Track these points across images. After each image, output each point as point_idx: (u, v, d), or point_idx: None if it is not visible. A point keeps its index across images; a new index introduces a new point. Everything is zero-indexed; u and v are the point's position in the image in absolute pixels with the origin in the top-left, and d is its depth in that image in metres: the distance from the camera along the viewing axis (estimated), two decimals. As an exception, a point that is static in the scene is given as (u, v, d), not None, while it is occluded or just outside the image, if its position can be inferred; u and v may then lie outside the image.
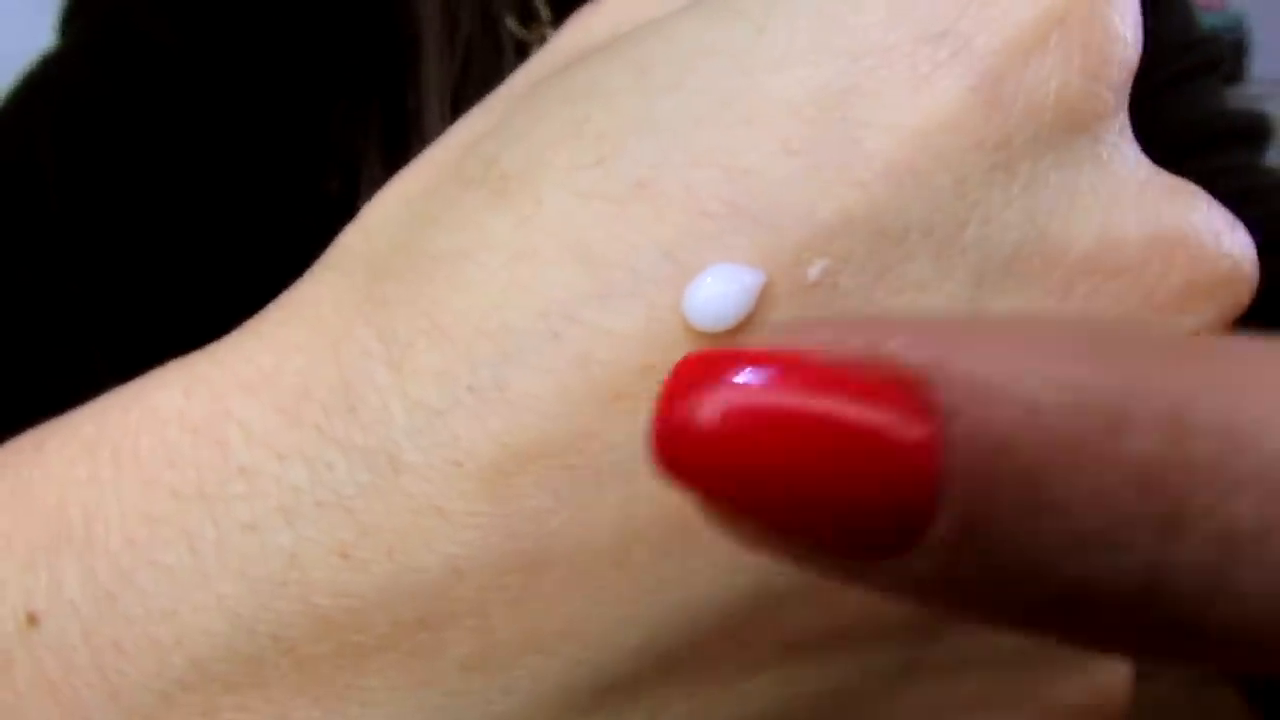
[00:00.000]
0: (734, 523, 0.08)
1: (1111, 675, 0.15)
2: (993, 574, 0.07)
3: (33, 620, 0.12)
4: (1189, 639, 0.07)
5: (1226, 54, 0.43)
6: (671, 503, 0.12)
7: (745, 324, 0.12)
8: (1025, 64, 0.13)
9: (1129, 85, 0.13)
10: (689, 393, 0.08)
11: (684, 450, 0.08)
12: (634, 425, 0.12)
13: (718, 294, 0.12)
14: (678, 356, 0.12)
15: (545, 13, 0.35)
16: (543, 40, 0.16)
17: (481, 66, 0.34)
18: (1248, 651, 0.07)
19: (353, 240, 0.14)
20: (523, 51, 0.33)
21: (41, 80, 0.36)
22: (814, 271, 0.12)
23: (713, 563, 0.12)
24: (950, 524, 0.07)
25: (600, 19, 0.15)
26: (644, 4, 0.15)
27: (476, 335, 0.12)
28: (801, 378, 0.08)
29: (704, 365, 0.08)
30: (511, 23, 0.35)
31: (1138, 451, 0.07)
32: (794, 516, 0.08)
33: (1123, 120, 0.14)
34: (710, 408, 0.08)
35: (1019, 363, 0.07)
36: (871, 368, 0.08)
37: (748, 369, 0.08)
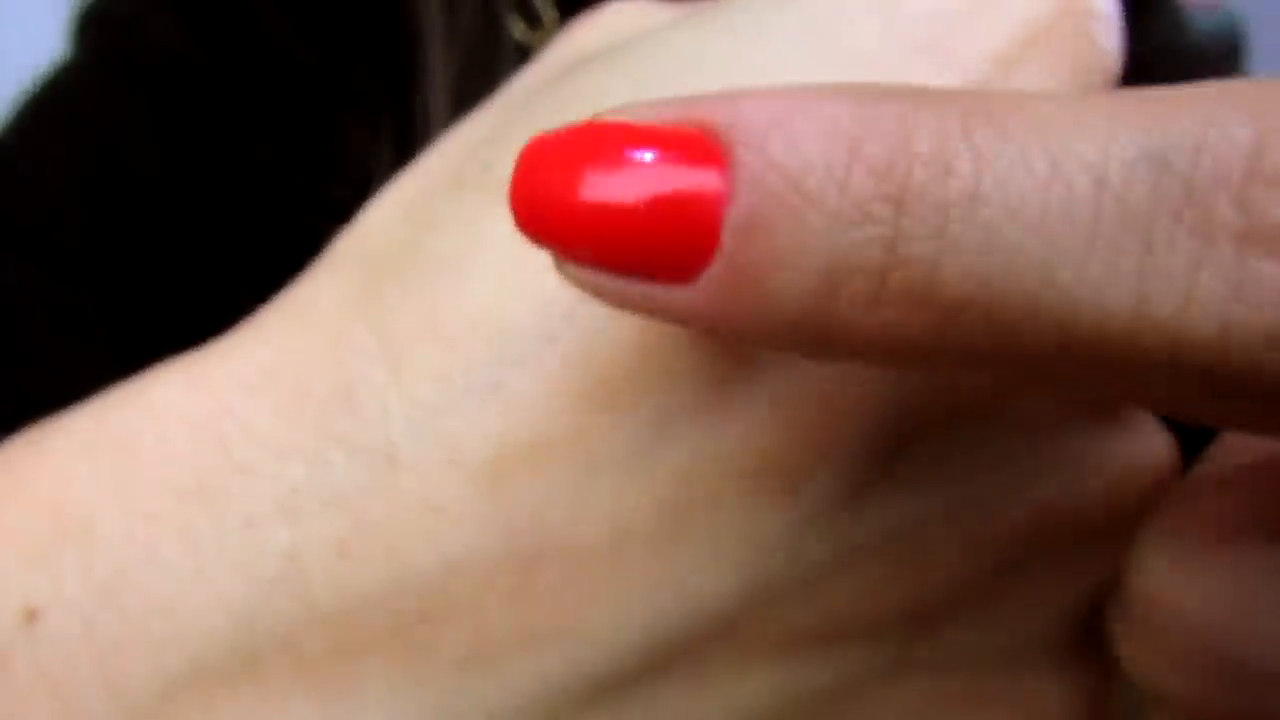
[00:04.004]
0: (574, 265, 0.10)
1: (1093, 676, 0.15)
2: (760, 268, 0.09)
3: (32, 617, 0.12)
4: (927, 307, 0.09)
5: (1219, 61, 0.44)
6: (665, 501, 0.12)
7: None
8: (1011, 73, 0.13)
9: None
10: (542, 167, 0.10)
11: (541, 217, 0.10)
12: (628, 425, 0.12)
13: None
14: (670, 356, 0.12)
15: (550, 15, 0.35)
16: (545, 44, 0.16)
17: (483, 67, 0.34)
18: (965, 313, 0.09)
19: (350, 243, 0.14)
20: (525, 56, 0.33)
21: (54, 89, 0.36)
22: None
23: (706, 560, 0.13)
24: (729, 240, 0.09)
25: (595, 31, 0.16)
26: (639, 17, 0.15)
27: (474, 336, 0.13)
28: (629, 141, 0.10)
29: (551, 145, 0.10)
30: (514, 26, 0.35)
31: (870, 154, 0.09)
32: (623, 254, 0.10)
33: None
34: (557, 186, 0.10)
35: (791, 110, 0.09)
36: (685, 127, 0.10)
37: (589, 143, 0.10)
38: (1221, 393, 0.09)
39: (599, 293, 0.10)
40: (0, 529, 0.13)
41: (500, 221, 0.13)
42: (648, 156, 0.10)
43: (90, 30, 0.37)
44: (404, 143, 0.34)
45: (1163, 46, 0.41)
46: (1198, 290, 0.08)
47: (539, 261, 0.13)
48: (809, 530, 0.13)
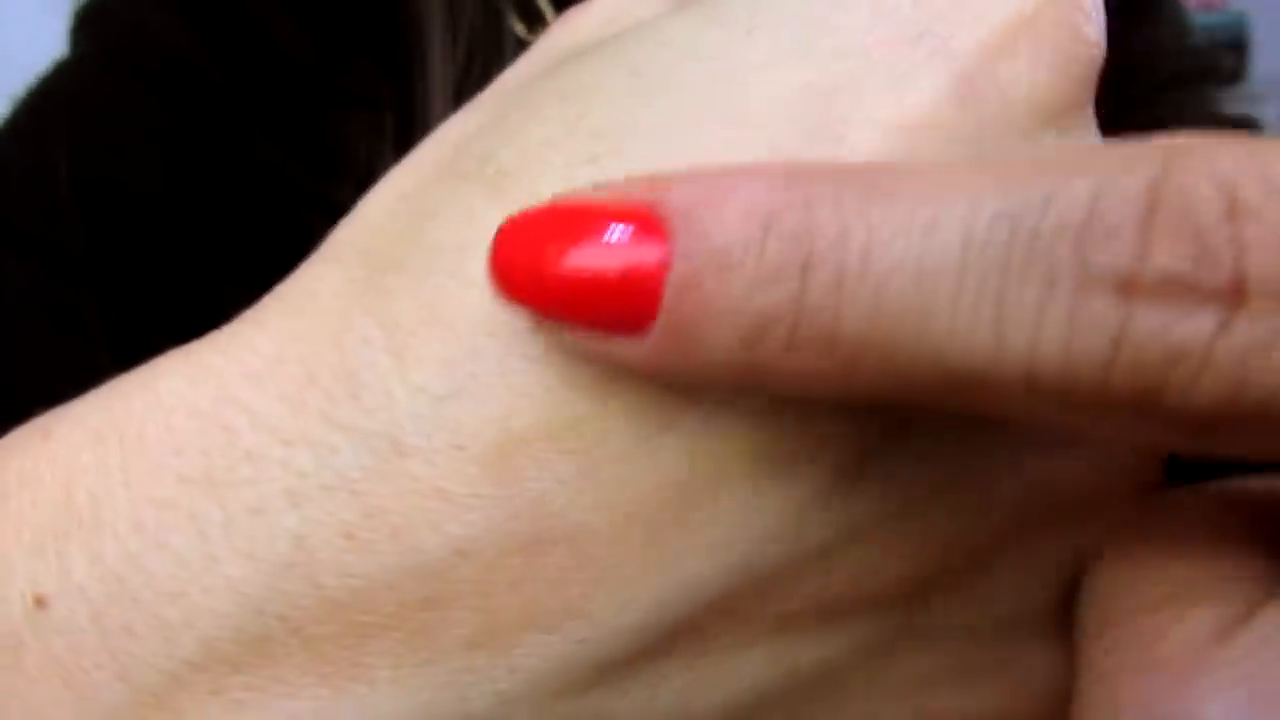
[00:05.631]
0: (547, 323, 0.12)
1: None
2: (696, 323, 0.11)
3: (41, 604, 0.13)
4: (832, 351, 0.11)
5: (1221, 62, 0.44)
6: (667, 484, 0.12)
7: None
8: (998, 63, 0.13)
9: (1095, 82, 0.14)
10: (516, 246, 0.12)
11: (516, 287, 0.12)
12: (631, 410, 0.12)
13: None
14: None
15: (551, 12, 0.35)
16: None
17: (484, 65, 0.34)
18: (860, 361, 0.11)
19: (349, 234, 0.14)
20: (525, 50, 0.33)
21: (55, 87, 0.36)
22: None
23: (708, 541, 0.13)
24: (670, 299, 0.11)
25: (589, 20, 0.16)
26: (633, 6, 0.15)
27: (477, 323, 0.13)
28: (579, 228, 0.12)
29: (523, 224, 0.12)
30: (514, 22, 0.35)
31: (781, 226, 0.11)
32: (585, 314, 0.12)
33: (1090, 115, 0.14)
34: (529, 261, 0.12)
35: (717, 191, 0.11)
36: (628, 206, 0.12)
37: (550, 224, 0.12)
38: (1075, 409, 0.11)
39: (572, 348, 0.12)
40: (8, 518, 0.13)
41: (497, 210, 0.13)
42: (603, 233, 0.12)
43: (90, 29, 0.37)
44: (406, 141, 0.34)
45: (1164, 46, 0.41)
46: (1043, 330, 0.10)
47: None
48: (810, 511, 0.13)
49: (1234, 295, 0.10)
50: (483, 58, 0.36)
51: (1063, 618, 0.15)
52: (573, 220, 0.12)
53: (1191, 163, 0.10)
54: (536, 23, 0.36)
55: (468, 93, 0.16)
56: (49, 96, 0.36)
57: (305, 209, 0.34)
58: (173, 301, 0.34)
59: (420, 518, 0.12)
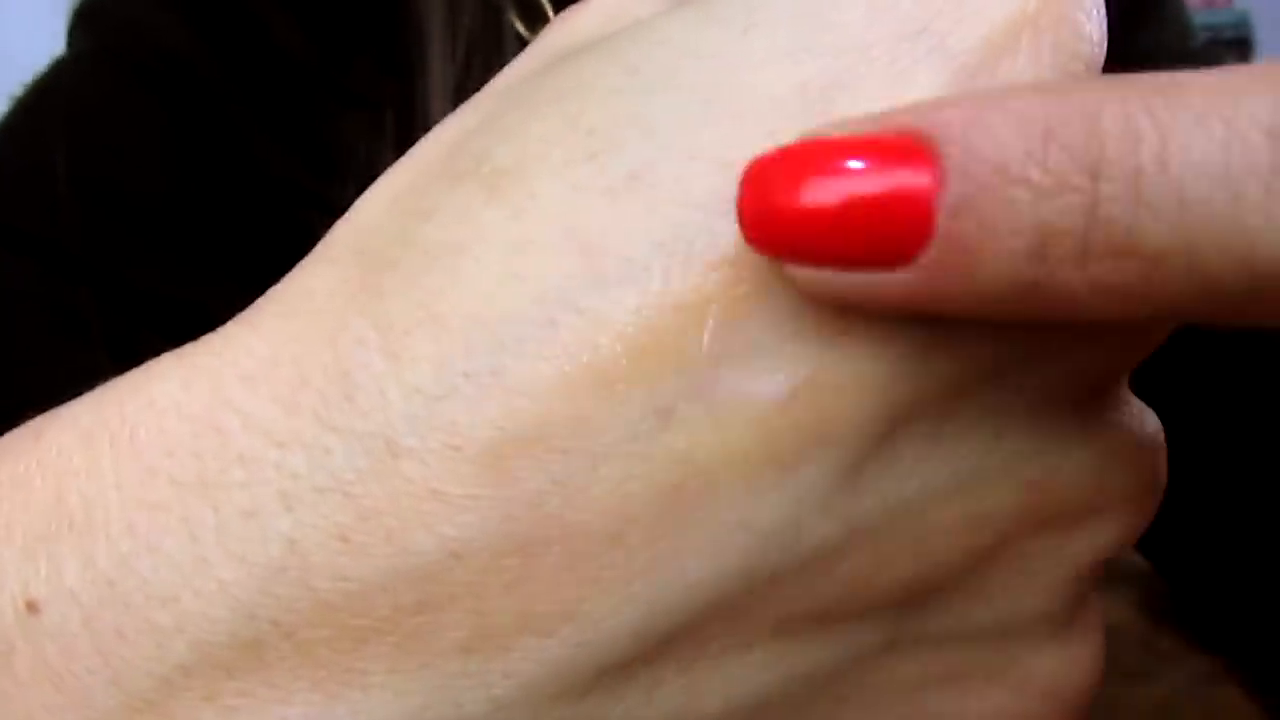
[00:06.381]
0: (803, 268, 0.12)
1: (1084, 650, 0.15)
2: (976, 244, 0.11)
3: (33, 608, 0.13)
4: (1130, 261, 0.10)
5: (1225, 62, 0.44)
6: (664, 486, 0.12)
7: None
8: (998, 61, 0.13)
9: None
10: (768, 184, 0.12)
11: (775, 229, 0.12)
12: (628, 409, 0.12)
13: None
14: (670, 342, 0.12)
15: (549, 11, 0.35)
16: None
17: (484, 64, 0.34)
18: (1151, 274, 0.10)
19: (344, 234, 0.14)
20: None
21: (53, 85, 0.36)
22: None
23: (705, 543, 0.13)
24: (944, 221, 0.11)
25: (587, 18, 0.16)
26: (631, 4, 0.15)
27: (473, 323, 0.13)
28: (843, 153, 0.11)
29: (773, 162, 0.12)
30: (514, 21, 0.35)
31: (1066, 136, 0.10)
32: (847, 250, 0.11)
33: None
34: (782, 195, 0.12)
35: (986, 107, 0.11)
36: (888, 139, 0.11)
37: (804, 162, 0.12)
38: None
39: (826, 291, 0.12)
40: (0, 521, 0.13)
41: (494, 209, 0.13)
42: (861, 164, 0.11)
43: (88, 27, 0.37)
44: (406, 140, 0.34)
45: (1168, 48, 0.41)
46: None
47: (535, 248, 0.13)
48: (807, 513, 0.13)
49: None
50: (483, 57, 0.36)
51: (1061, 621, 0.15)
52: (827, 153, 0.11)
53: None
54: (537, 21, 0.36)
55: (467, 92, 0.16)
56: (47, 95, 0.36)
57: (305, 208, 0.34)
58: (170, 300, 0.34)
59: (415, 519, 0.12)
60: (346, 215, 0.15)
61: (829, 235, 0.11)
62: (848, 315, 0.12)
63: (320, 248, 0.15)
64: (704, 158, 0.13)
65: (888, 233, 0.11)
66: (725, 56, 0.13)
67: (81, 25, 0.37)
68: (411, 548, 0.12)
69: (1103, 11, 0.14)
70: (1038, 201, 0.10)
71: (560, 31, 0.16)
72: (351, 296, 0.13)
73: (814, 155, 0.11)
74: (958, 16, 0.13)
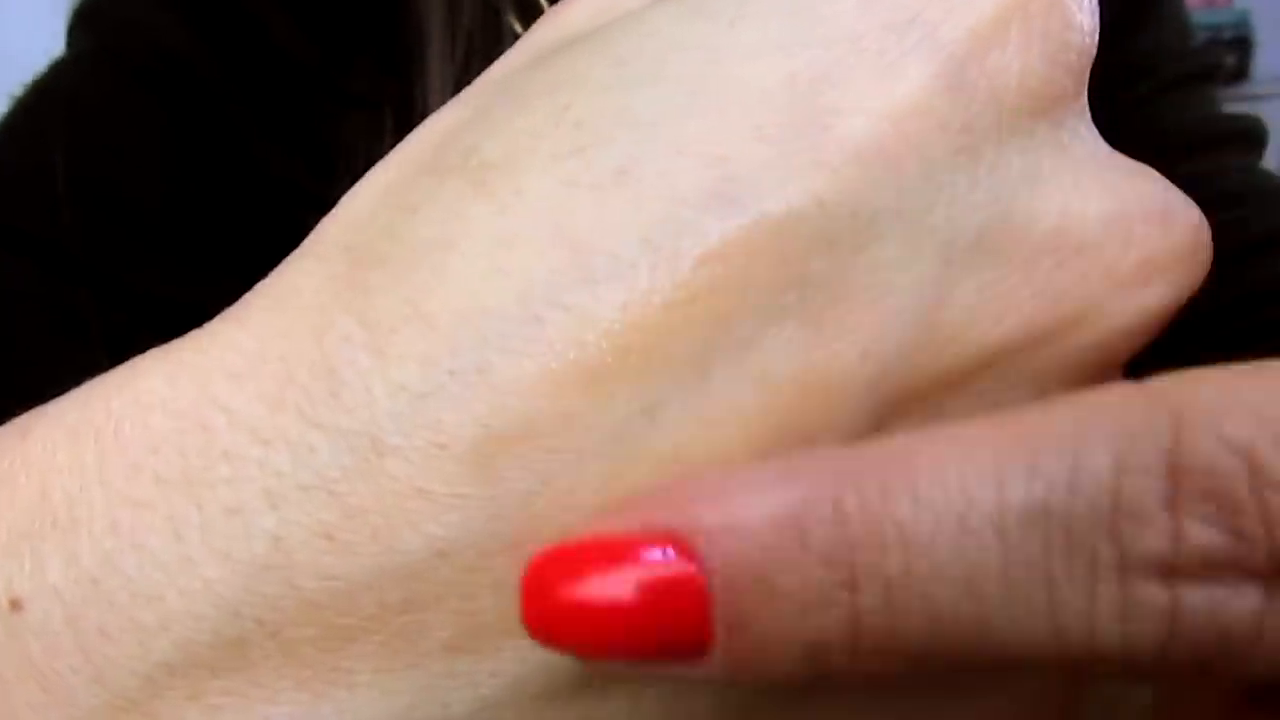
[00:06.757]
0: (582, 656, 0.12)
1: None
2: (755, 653, 0.11)
3: (16, 605, 0.12)
4: (895, 657, 0.11)
5: (1223, 62, 0.44)
6: (649, 483, 0.12)
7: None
8: (988, 51, 0.13)
9: (1087, 72, 0.14)
10: (541, 588, 0.12)
11: (544, 627, 0.12)
12: (614, 407, 0.12)
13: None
14: (656, 339, 0.12)
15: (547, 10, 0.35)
16: None
17: (483, 63, 0.34)
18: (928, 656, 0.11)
19: (332, 230, 0.14)
20: None
21: (53, 86, 0.36)
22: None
23: None
24: (722, 634, 0.11)
25: (575, 13, 0.16)
26: None
27: (459, 320, 0.12)
28: (612, 561, 0.11)
29: (546, 566, 0.12)
30: (513, 20, 0.35)
31: (817, 543, 0.11)
32: (628, 652, 0.11)
33: (1082, 105, 0.14)
34: (556, 599, 0.12)
35: (733, 504, 0.11)
36: (650, 537, 0.11)
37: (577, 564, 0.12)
38: (1136, 674, 0.11)
39: (625, 675, 0.12)
40: None
41: (481, 204, 0.13)
42: (632, 568, 0.11)
43: (87, 27, 0.37)
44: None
45: (1167, 47, 0.41)
46: (1097, 617, 0.10)
47: (522, 244, 0.13)
48: None
49: (1276, 571, 0.10)
50: (482, 57, 0.36)
51: None
52: (599, 556, 0.12)
53: (1202, 422, 0.10)
54: (535, 20, 0.36)
55: (465, 85, 0.16)
56: (46, 95, 0.36)
57: (304, 209, 0.34)
58: (170, 301, 0.34)
59: (400, 518, 0.12)
60: (335, 210, 0.15)
61: (612, 637, 0.11)
62: (836, 315, 0.12)
63: (308, 243, 0.14)
64: (691, 152, 0.13)
65: (668, 634, 0.11)
66: (713, 49, 0.13)
67: (81, 25, 0.37)
68: (397, 546, 0.12)
69: (1095, 3, 0.14)
70: (805, 615, 0.11)
71: (550, 25, 0.16)
72: (338, 293, 0.13)
73: (587, 557, 0.12)
74: (948, 6, 0.13)
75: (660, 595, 0.11)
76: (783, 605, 0.11)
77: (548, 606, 0.12)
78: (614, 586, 0.11)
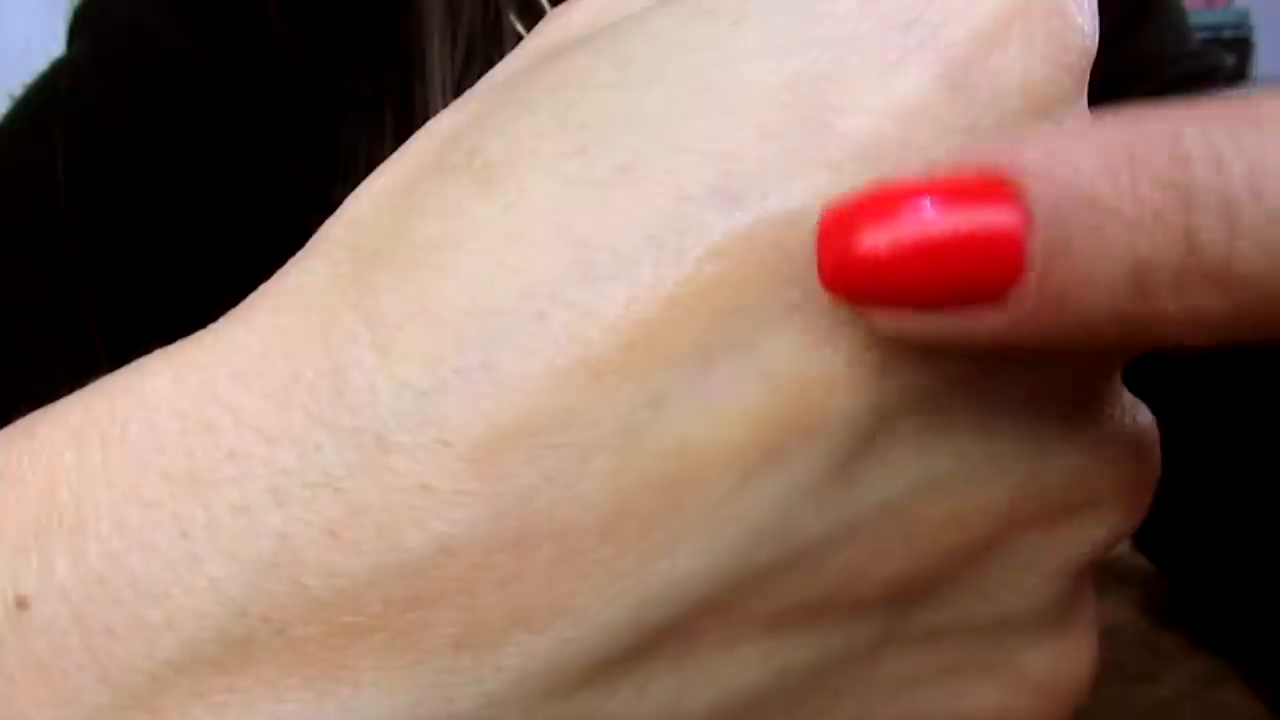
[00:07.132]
0: (884, 313, 0.12)
1: (1078, 645, 0.15)
2: (1073, 280, 0.11)
3: (22, 604, 0.12)
4: (1227, 287, 0.10)
5: (1224, 62, 0.44)
6: (656, 480, 0.12)
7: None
8: (990, 52, 0.13)
9: (1088, 73, 0.14)
10: (847, 234, 0.12)
11: (857, 280, 0.12)
12: (618, 402, 0.12)
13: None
14: (660, 335, 0.12)
15: (548, 10, 0.35)
16: None
17: (484, 64, 0.34)
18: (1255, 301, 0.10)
19: (336, 230, 0.14)
20: None
21: (53, 86, 0.36)
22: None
23: (697, 537, 0.13)
24: (1039, 260, 0.11)
25: (578, 14, 0.16)
26: (620, 0, 0.15)
27: (463, 318, 0.12)
28: (926, 199, 0.11)
29: (851, 212, 0.12)
30: (514, 21, 0.35)
31: (1153, 162, 0.10)
32: (934, 293, 0.11)
33: (1083, 106, 0.14)
34: (864, 243, 0.11)
35: (1068, 140, 0.11)
36: (968, 179, 0.11)
37: (883, 208, 0.11)
38: None
39: (913, 335, 0.12)
40: None
41: (485, 203, 0.13)
42: (943, 207, 0.11)
43: (88, 28, 0.37)
44: (406, 140, 0.34)
45: (1167, 48, 0.41)
46: None
47: (526, 242, 0.13)
48: (799, 507, 0.13)
49: None
50: (483, 57, 0.36)
51: (1055, 617, 0.15)
52: (905, 199, 0.11)
53: None
54: (536, 20, 0.36)
55: (466, 86, 0.16)
56: (46, 95, 0.36)
57: (304, 209, 0.34)
58: (170, 301, 0.34)
59: (405, 515, 0.12)
60: (339, 210, 0.15)
61: (915, 281, 0.11)
62: (838, 310, 0.12)
63: (313, 243, 0.14)
64: (694, 150, 0.13)
65: (976, 274, 0.11)
66: (716, 49, 0.13)
67: (82, 26, 0.37)
68: (402, 544, 0.12)
69: (1095, 4, 0.14)
70: (1132, 235, 0.10)
71: (553, 26, 0.16)
72: (343, 292, 0.13)
73: (893, 201, 0.11)
74: (950, 6, 0.13)
75: (973, 231, 0.11)
76: (1111, 224, 0.10)
77: (848, 257, 0.11)
78: (919, 232, 0.11)
